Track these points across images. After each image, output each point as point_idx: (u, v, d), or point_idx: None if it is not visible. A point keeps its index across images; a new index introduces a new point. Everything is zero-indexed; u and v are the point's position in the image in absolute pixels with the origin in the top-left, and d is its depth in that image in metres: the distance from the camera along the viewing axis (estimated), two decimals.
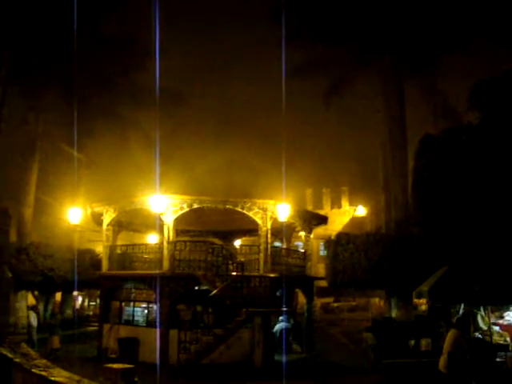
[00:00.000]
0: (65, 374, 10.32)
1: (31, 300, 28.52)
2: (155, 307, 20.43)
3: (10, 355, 10.37)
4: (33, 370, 10.08)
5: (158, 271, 19.72)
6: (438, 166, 12.07)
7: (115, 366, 9.39)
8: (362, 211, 53.35)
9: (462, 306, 19.38)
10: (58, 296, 31.97)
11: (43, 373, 10.07)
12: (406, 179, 23.59)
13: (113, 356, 19.48)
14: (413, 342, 17.18)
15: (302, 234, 25.24)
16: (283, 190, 22.48)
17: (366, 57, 27.16)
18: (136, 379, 9.06)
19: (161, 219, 20.48)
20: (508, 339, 14.75)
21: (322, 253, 42.58)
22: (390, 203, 25.35)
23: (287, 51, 23.80)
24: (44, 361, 10.95)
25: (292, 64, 26.99)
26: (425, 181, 12.64)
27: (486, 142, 10.79)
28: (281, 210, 20.57)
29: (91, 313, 39.59)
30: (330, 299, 44.68)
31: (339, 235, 22.48)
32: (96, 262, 25.37)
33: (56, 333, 20.95)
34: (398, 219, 23.78)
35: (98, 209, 22.86)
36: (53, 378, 9.88)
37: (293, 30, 25.59)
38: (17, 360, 10.29)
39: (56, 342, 20.66)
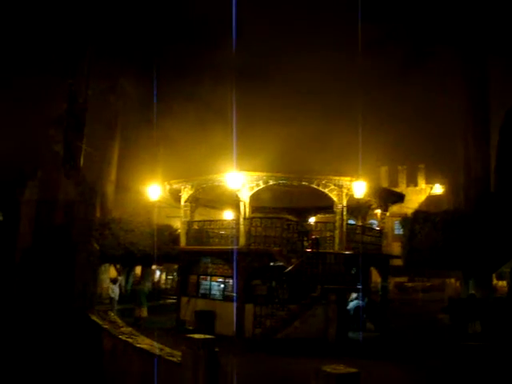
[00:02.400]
0: (148, 341, 10.84)
1: (113, 273, 29.76)
2: (231, 282, 20.88)
3: (99, 322, 10.98)
4: (120, 337, 10.65)
5: (234, 247, 20.08)
6: None
7: (196, 336, 9.73)
8: (439, 189, 51.95)
9: None
10: (138, 270, 33.17)
11: (129, 339, 10.62)
12: (488, 155, 22.75)
13: (190, 328, 20.11)
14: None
15: (378, 211, 24.97)
16: (359, 167, 22.21)
17: (446, 31, 26.18)
18: (216, 349, 9.34)
19: (237, 196, 20.83)
20: None
21: (397, 231, 41.89)
22: (470, 181, 24.53)
23: (363, 24, 23.27)
24: (129, 329, 11.52)
25: (368, 38, 26.37)
26: (509, 157, 12.19)
27: None
28: (357, 187, 20.36)
29: (169, 286, 40.87)
30: (404, 279, 43.98)
31: (416, 213, 22.01)
32: (174, 238, 26.14)
33: (144, 303, 21.94)
34: (478, 197, 23.00)
35: (176, 186, 23.45)
36: (138, 345, 10.42)
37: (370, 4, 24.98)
38: (106, 327, 10.89)
39: (144, 311, 21.68)
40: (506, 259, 13.45)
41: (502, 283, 33.20)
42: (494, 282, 28.38)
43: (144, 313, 21.65)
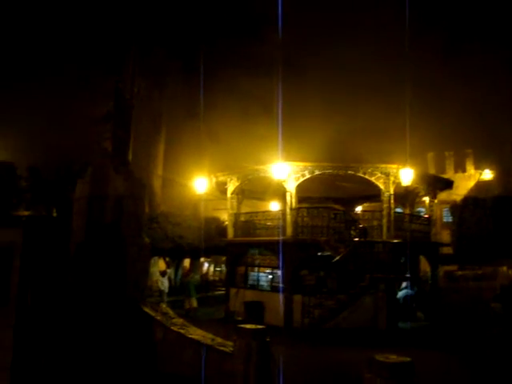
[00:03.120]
0: (200, 332, 11.03)
1: (162, 266, 30.25)
2: (279, 272, 20.95)
3: (151, 313, 11.22)
4: (172, 328, 10.87)
5: (281, 237, 20.14)
6: None
7: (247, 326, 9.85)
8: (488, 175, 50.61)
9: None
10: (187, 262, 33.61)
11: (181, 330, 10.83)
12: None
13: (239, 318, 20.29)
14: None
15: (426, 199, 24.55)
16: (406, 155, 21.86)
17: (495, 11, 25.44)
18: (268, 339, 9.43)
19: (283, 186, 20.85)
20: None
21: (446, 219, 41.06)
22: None
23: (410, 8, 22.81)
24: (181, 320, 11.73)
25: (415, 21, 25.85)
26: None
27: None
28: (404, 174, 20.07)
29: (217, 278, 41.28)
30: (453, 267, 43.01)
31: (466, 199, 21.60)
32: (221, 230, 26.36)
33: (194, 294, 22.31)
34: None
35: (222, 178, 23.64)
36: (189, 336, 10.61)
37: None
38: (158, 318, 11.13)
39: (194, 302, 22.07)
40: None
41: None
42: None
43: (194, 304, 22.06)
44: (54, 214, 13.11)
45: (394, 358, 6.37)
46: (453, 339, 18.04)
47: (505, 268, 39.82)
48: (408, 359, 6.35)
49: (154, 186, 30.30)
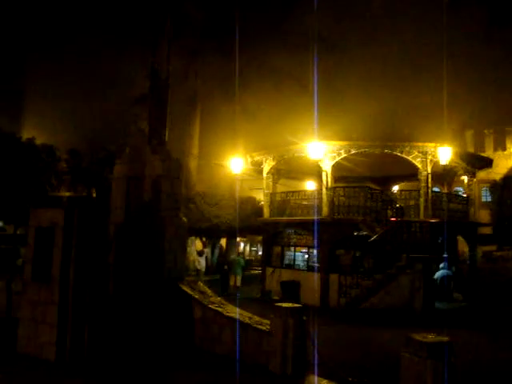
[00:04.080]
0: (237, 310, 11.15)
1: (198, 245, 30.61)
2: (315, 252, 20.97)
3: (190, 292, 11.37)
4: (210, 306, 11.02)
5: (317, 217, 20.10)
6: None
7: (284, 304, 9.93)
8: None
9: None
10: (223, 242, 33.92)
11: (219, 309, 10.97)
12: None
13: (275, 297, 20.44)
14: None
15: (464, 178, 24.13)
16: (444, 133, 21.47)
17: None
18: (304, 318, 9.50)
19: (319, 166, 20.76)
20: None
21: (485, 198, 40.31)
22: None
23: None
24: (219, 298, 11.87)
25: None
26: None
27: None
28: (442, 152, 19.75)
29: (253, 258, 41.59)
30: (492, 247, 42.30)
31: (506, 179, 21.13)
32: (257, 209, 26.47)
33: (239, 272, 22.64)
34: None
35: (257, 158, 23.67)
36: (227, 314, 10.74)
37: None
38: (196, 296, 11.27)
39: (238, 280, 22.42)
40: None
41: None
42: None
43: (238, 282, 22.39)
44: (94, 195, 13.39)
45: (431, 337, 6.35)
46: (491, 320, 17.85)
47: None
48: (446, 338, 6.32)
49: (190, 166, 30.55)
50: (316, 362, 9.22)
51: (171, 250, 11.79)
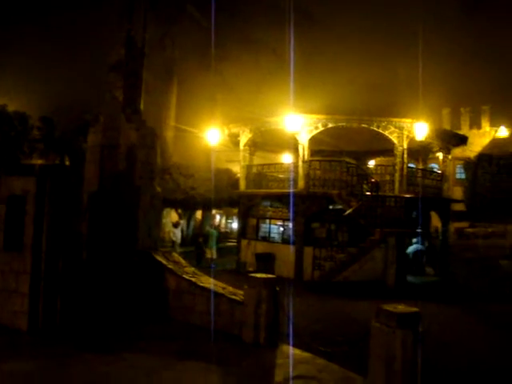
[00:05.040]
0: (211, 281, 11.17)
1: (174, 217, 30.51)
2: (290, 225, 21.07)
3: (164, 262, 11.35)
4: (184, 276, 11.02)
5: (293, 190, 20.15)
6: None
7: (258, 275, 9.98)
8: (504, 132, 49.88)
9: None
10: (199, 214, 33.87)
11: (193, 279, 10.97)
12: None
13: (250, 269, 20.56)
14: None
15: (439, 154, 24.34)
16: (420, 109, 21.57)
17: None
18: (277, 288, 9.56)
19: (295, 139, 20.73)
20: None
21: (459, 175, 40.83)
22: None
23: None
24: (192, 269, 11.87)
25: None
26: None
27: None
28: (418, 129, 19.87)
29: (229, 230, 41.68)
30: (464, 224, 42.98)
31: (480, 156, 21.37)
32: (233, 182, 26.43)
33: (214, 245, 22.65)
34: None
35: (234, 129, 23.51)
36: (201, 284, 10.76)
37: None
38: (170, 266, 11.26)
39: (213, 252, 22.45)
40: None
41: None
42: None
43: (214, 254, 22.41)
44: (67, 163, 13.18)
45: (401, 308, 6.44)
46: (461, 294, 18.25)
47: None
48: (415, 309, 6.42)
49: (167, 137, 30.23)
50: (289, 332, 9.31)
51: (145, 220, 11.73)
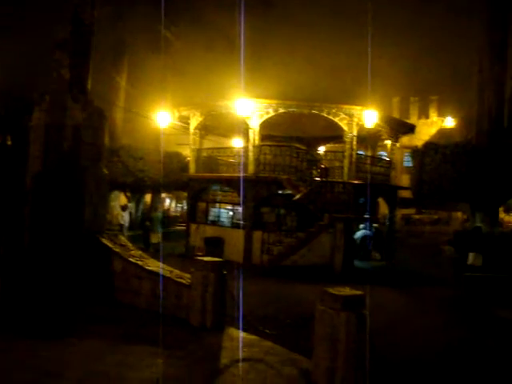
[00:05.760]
0: (158, 264, 11.07)
1: (123, 200, 30.06)
2: (240, 209, 21.09)
3: (110, 245, 11.16)
4: (130, 259, 10.88)
5: (243, 174, 20.14)
6: None
7: (205, 258, 9.95)
8: (450, 122, 51.23)
9: None
10: (148, 197, 33.47)
11: (139, 262, 10.85)
12: (503, 88, 22.13)
13: (199, 253, 20.50)
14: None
15: (388, 142, 24.76)
16: (370, 97, 21.84)
17: None
18: (225, 272, 9.55)
19: (246, 123, 20.69)
20: None
21: (407, 163, 41.78)
22: (483, 114, 23.95)
23: None
24: (139, 252, 11.72)
25: None
26: None
27: None
28: (367, 116, 20.12)
29: (178, 214, 41.39)
30: (411, 211, 44.10)
31: (427, 145, 21.72)
32: (184, 165, 26.17)
33: (159, 229, 22.39)
34: (490, 131, 22.54)
35: (184, 112, 23.28)
36: (148, 267, 10.65)
37: None
38: (116, 250, 11.08)
39: (158, 237, 22.19)
40: None
41: (509, 218, 33.31)
42: (502, 215, 28.44)
43: (158, 239, 22.16)
44: (9, 143, 12.72)
45: (345, 291, 6.54)
46: (405, 278, 18.78)
47: (459, 214, 41.11)
48: (359, 292, 6.53)
49: (116, 118, 29.62)
50: (236, 315, 9.34)
51: (91, 203, 11.47)
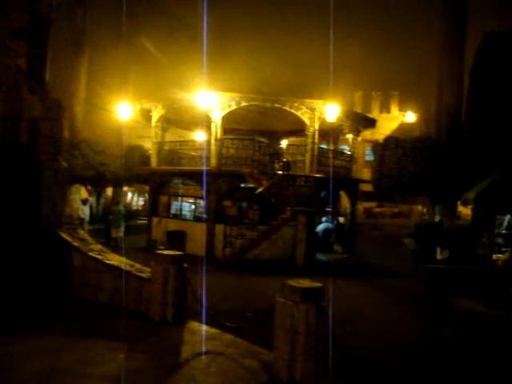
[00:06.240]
0: (118, 258, 10.95)
1: (83, 194, 29.58)
2: (202, 202, 21.01)
3: (69, 239, 10.97)
4: (89, 254, 10.72)
5: (205, 168, 20.06)
6: (500, 67, 11.48)
7: (166, 252, 9.88)
8: (411, 117, 52.12)
9: (508, 217, 19.13)
10: (109, 191, 33.02)
11: (99, 256, 10.71)
12: (461, 84, 22.58)
13: (161, 247, 20.34)
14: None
15: (349, 136, 25.00)
16: (332, 91, 22.02)
17: None
18: (185, 265, 9.50)
19: (208, 116, 20.59)
20: None
21: (368, 157, 42.35)
22: (442, 109, 24.41)
23: None
24: (99, 246, 11.56)
25: None
26: (483, 83, 12.08)
27: None
28: (329, 110, 20.28)
29: (140, 208, 40.99)
30: (372, 204, 44.81)
31: (387, 139, 21.97)
32: (145, 159, 25.88)
33: (121, 223, 22.10)
34: (449, 126, 22.98)
35: (146, 105, 23.03)
36: (108, 262, 10.52)
37: None
38: (75, 244, 10.90)
39: (120, 231, 21.90)
40: (470, 187, 13.62)
41: (466, 210, 34.05)
42: (460, 208, 29.06)
43: (120, 233, 21.87)
44: None
45: (305, 283, 6.59)
46: (367, 269, 19.06)
47: (419, 207, 41.95)
48: (318, 284, 6.59)
49: (76, 110, 29.05)
50: (198, 309, 9.32)
51: (49, 196, 11.25)
